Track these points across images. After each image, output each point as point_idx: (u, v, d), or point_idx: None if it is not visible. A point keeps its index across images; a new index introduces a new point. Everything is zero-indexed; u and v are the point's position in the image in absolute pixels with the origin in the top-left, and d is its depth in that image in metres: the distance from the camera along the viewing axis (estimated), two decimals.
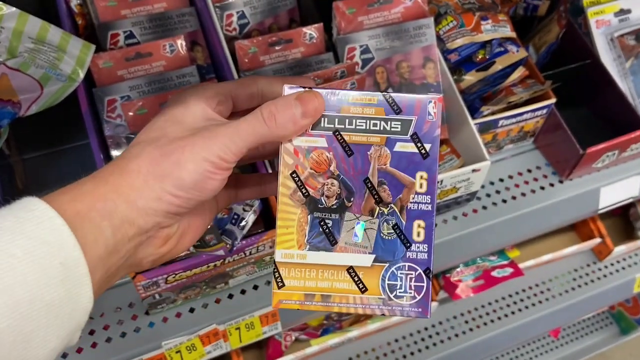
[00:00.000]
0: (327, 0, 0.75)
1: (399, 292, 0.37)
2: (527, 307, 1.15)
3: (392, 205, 0.37)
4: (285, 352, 1.01)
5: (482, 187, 0.82)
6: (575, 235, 1.24)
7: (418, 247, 0.37)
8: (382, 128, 0.37)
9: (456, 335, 1.10)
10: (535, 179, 0.83)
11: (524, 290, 1.18)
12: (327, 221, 0.37)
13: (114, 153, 0.68)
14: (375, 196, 0.37)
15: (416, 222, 0.37)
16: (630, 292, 1.22)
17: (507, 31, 0.78)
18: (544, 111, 0.79)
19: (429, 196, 0.37)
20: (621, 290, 1.21)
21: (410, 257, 0.37)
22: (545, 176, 0.84)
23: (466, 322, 1.12)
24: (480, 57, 0.78)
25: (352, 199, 0.37)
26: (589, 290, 1.19)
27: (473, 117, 0.74)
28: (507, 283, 1.10)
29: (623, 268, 1.21)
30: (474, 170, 0.70)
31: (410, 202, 0.37)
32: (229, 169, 0.35)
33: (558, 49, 0.84)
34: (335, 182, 0.37)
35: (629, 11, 0.85)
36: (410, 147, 0.37)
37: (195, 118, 0.36)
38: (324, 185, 0.37)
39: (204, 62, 0.76)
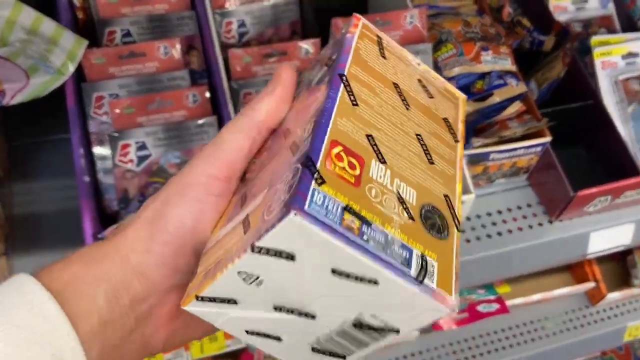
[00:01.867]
0: (329, 15, 0.75)
1: (280, 196, 0.24)
2: (511, 346, 1.12)
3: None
4: None
5: (468, 219, 0.80)
6: (570, 277, 1.22)
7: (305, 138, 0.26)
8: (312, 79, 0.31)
9: None
10: (525, 217, 0.82)
11: (510, 328, 1.15)
12: (244, 189, 0.31)
13: (96, 149, 0.68)
14: (286, 140, 0.30)
15: (307, 126, 0.27)
16: (620, 340, 1.18)
17: (508, 64, 0.77)
18: (539, 149, 0.77)
19: (331, 89, 0.27)
20: (611, 338, 1.17)
21: (298, 165, 0.25)
22: (535, 215, 0.82)
23: (447, 354, 1.10)
24: (478, 87, 0.77)
25: (268, 156, 0.30)
26: (579, 335, 1.16)
27: (464, 148, 0.72)
28: (495, 319, 1.07)
29: (615, 315, 1.18)
30: None
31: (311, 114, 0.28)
32: (225, 192, 0.30)
33: (560, 87, 0.82)
34: (265, 153, 0.31)
35: (636, 55, 0.84)
36: (323, 72, 0.30)
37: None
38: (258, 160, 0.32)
39: (199, 67, 0.76)
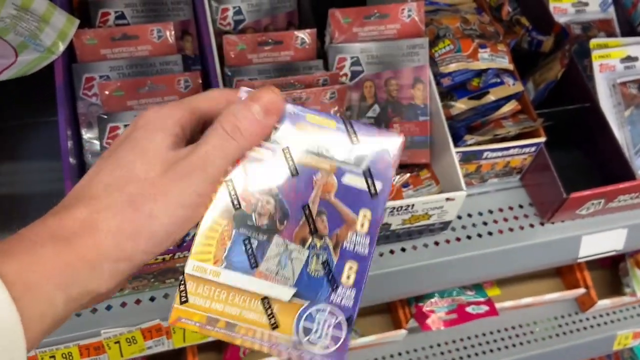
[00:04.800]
0: (326, 6, 0.74)
1: (313, 338, 0.32)
2: (499, 349, 1.12)
3: (327, 238, 0.33)
4: (243, 359, 0.99)
5: (459, 217, 0.79)
6: (561, 282, 1.21)
7: (345, 292, 0.33)
8: (334, 156, 0.34)
9: None
10: (516, 218, 0.81)
11: (499, 331, 1.14)
12: (252, 240, 0.33)
13: (84, 131, 0.67)
14: (311, 225, 0.33)
15: (349, 264, 0.33)
16: (609, 348, 1.18)
17: (505, 62, 0.76)
18: (533, 149, 0.76)
19: (369, 238, 0.34)
20: (601, 346, 1.17)
21: (334, 300, 0.33)
22: (526, 216, 0.81)
23: (434, 354, 1.09)
24: (474, 85, 0.76)
25: (285, 223, 0.33)
26: (568, 341, 1.15)
27: (456, 145, 0.71)
28: (482, 321, 1.06)
29: (605, 323, 1.17)
30: (447, 199, 0.68)
31: (347, 241, 0.33)
32: (205, 205, 0.32)
33: (558, 88, 0.82)
34: (272, 200, 0.34)
35: (635, 59, 0.83)
36: (360, 183, 0.34)
37: (158, 149, 0.32)
38: (258, 201, 0.33)
39: (192, 53, 0.75)
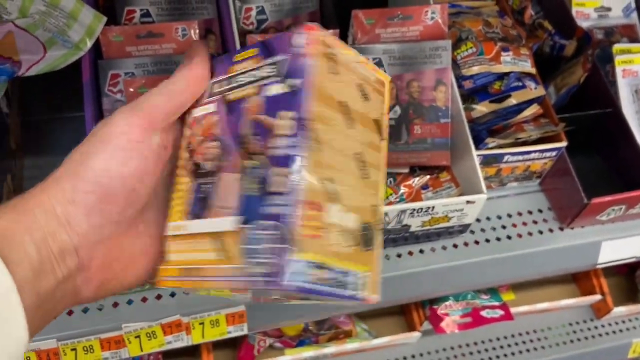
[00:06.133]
0: (348, 7, 0.74)
1: (259, 258, 0.29)
2: (513, 354, 1.11)
3: (261, 156, 0.31)
4: (257, 357, 0.99)
5: (478, 220, 0.79)
6: (576, 288, 1.20)
7: (279, 200, 0.29)
8: (258, 77, 0.33)
9: None
10: (535, 222, 0.80)
11: (513, 336, 1.14)
12: (204, 185, 0.33)
13: None
14: (244, 149, 0.32)
15: (279, 170, 0.29)
16: (624, 356, 1.17)
17: (528, 66, 0.76)
18: (553, 153, 0.76)
19: (298, 138, 0.30)
20: (615, 353, 1.16)
21: (270, 212, 0.29)
22: (545, 220, 0.81)
23: (447, 358, 1.09)
24: (495, 88, 0.76)
25: (228, 158, 0.33)
26: (582, 347, 1.14)
27: (477, 148, 0.71)
28: (496, 325, 1.06)
29: (620, 330, 1.16)
30: (468, 202, 0.68)
31: (275, 148, 0.30)
32: (148, 141, 0.32)
33: (579, 93, 0.81)
34: (215, 143, 0.34)
35: None
36: (282, 88, 0.31)
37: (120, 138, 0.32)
38: (207, 149, 0.34)
39: (216, 52, 0.75)
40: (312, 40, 0.31)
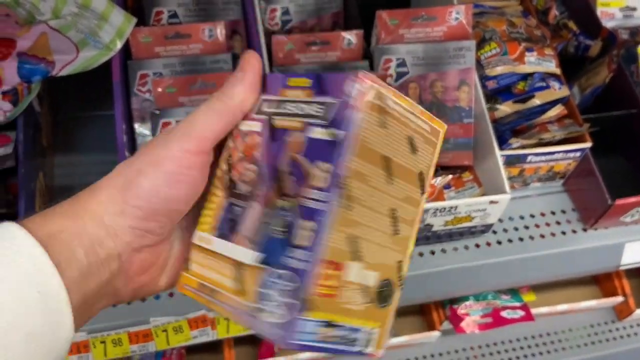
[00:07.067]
0: (372, 8, 0.75)
1: (270, 306, 0.29)
2: (533, 355, 1.11)
3: (293, 199, 0.31)
4: (278, 353, 1.00)
5: (500, 221, 0.79)
6: (598, 290, 1.19)
7: (300, 254, 0.29)
8: (306, 113, 0.32)
9: None
10: (558, 223, 0.80)
11: (533, 337, 1.13)
12: (236, 208, 0.33)
13: (137, 126, 0.69)
14: (279, 186, 0.32)
15: (306, 223, 0.29)
16: None
17: (552, 66, 0.76)
18: (578, 154, 0.76)
19: (329, 193, 0.29)
20: (637, 356, 1.14)
21: (290, 264, 0.29)
22: (569, 221, 0.80)
23: (467, 358, 1.09)
24: (519, 88, 0.76)
25: (262, 188, 0.33)
26: (604, 349, 1.13)
27: (501, 148, 0.72)
28: (517, 326, 1.06)
29: None
30: (491, 202, 0.68)
31: (307, 198, 0.30)
32: (198, 166, 0.32)
33: (604, 93, 0.81)
34: (253, 167, 0.33)
35: None
36: (326, 134, 0.31)
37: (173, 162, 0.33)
38: (245, 170, 0.34)
39: (241, 52, 0.77)
40: (363, 92, 0.31)
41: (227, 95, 0.34)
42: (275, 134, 0.33)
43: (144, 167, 0.32)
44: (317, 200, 0.30)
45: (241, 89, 0.34)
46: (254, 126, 0.34)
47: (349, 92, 0.31)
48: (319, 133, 0.31)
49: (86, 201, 0.31)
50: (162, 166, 0.32)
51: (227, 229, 0.33)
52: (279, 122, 0.33)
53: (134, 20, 0.68)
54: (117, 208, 0.31)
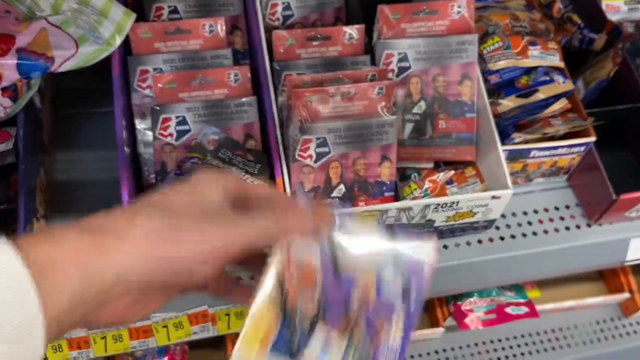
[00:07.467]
0: (374, 2, 0.74)
1: None
2: (538, 352, 1.10)
3: (360, 346, 0.34)
4: None
5: (503, 216, 0.78)
6: (603, 286, 1.18)
7: None
8: (375, 262, 0.35)
9: None
10: (562, 218, 0.79)
11: (538, 334, 1.13)
12: (295, 328, 0.34)
13: (137, 122, 0.69)
14: (348, 330, 0.34)
15: None
16: None
17: (556, 60, 0.75)
18: (582, 148, 0.75)
19: (398, 353, 0.34)
20: None
21: None
22: (572, 217, 0.80)
23: (471, 354, 1.08)
24: (522, 82, 0.75)
25: (326, 319, 0.34)
26: (610, 346, 1.13)
27: (503, 143, 0.71)
28: (522, 323, 1.05)
29: None
30: (493, 197, 0.67)
31: (378, 353, 0.34)
32: (226, 260, 0.33)
33: (609, 87, 0.80)
34: (315, 302, 0.34)
35: None
36: (396, 298, 0.35)
37: (212, 201, 0.34)
38: (304, 300, 0.34)
39: (242, 47, 0.76)
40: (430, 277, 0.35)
41: (289, 228, 0.34)
42: (339, 277, 0.35)
43: (185, 239, 0.32)
44: (387, 357, 0.34)
45: (302, 235, 0.35)
46: (311, 257, 0.35)
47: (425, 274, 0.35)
48: (389, 293, 0.35)
49: (105, 236, 0.31)
50: (198, 247, 0.32)
51: (286, 348, 0.34)
52: (344, 265, 0.35)
53: (134, 15, 0.67)
54: (143, 264, 0.31)
